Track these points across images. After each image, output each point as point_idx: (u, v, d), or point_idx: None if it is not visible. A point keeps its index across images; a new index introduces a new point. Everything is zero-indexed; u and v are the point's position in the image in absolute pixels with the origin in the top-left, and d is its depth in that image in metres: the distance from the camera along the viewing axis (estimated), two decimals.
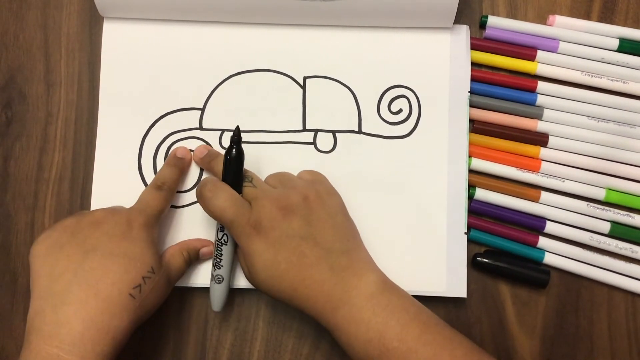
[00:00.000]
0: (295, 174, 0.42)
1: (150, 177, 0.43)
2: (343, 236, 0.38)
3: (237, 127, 0.38)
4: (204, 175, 0.43)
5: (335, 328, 0.36)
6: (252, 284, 0.38)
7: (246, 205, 0.37)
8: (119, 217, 0.37)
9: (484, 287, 0.44)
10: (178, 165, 0.42)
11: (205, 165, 0.42)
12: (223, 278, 0.39)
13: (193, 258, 0.41)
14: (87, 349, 0.32)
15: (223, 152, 0.39)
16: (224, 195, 0.37)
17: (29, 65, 0.45)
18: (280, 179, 0.40)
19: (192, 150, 0.43)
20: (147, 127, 0.43)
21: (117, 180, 0.43)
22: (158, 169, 0.43)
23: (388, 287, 0.37)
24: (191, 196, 0.43)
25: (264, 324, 0.43)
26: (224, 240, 0.39)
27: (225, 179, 0.38)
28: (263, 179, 0.41)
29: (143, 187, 0.42)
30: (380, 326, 0.34)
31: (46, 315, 0.33)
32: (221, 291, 0.40)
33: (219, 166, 0.39)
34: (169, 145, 0.43)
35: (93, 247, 0.35)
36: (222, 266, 0.39)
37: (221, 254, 0.39)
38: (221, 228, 0.39)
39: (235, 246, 0.39)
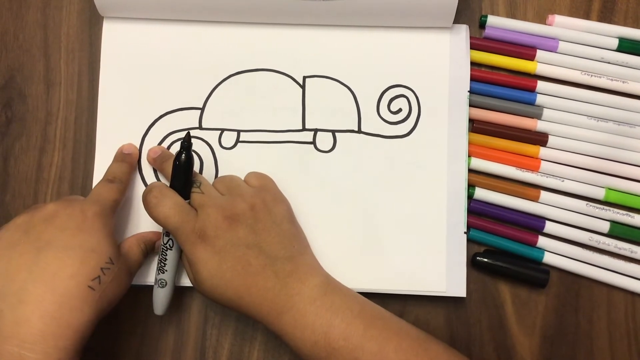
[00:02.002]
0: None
1: (150, 176, 0.43)
2: (288, 243, 0.38)
3: (188, 133, 0.38)
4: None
5: (282, 333, 0.36)
6: (198, 290, 0.38)
7: (192, 212, 0.37)
8: (71, 209, 0.36)
9: (484, 286, 0.44)
10: (126, 160, 0.42)
11: (157, 166, 0.42)
12: (166, 282, 0.39)
13: (149, 250, 0.41)
14: (49, 345, 0.32)
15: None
16: (169, 203, 0.37)
17: (29, 65, 0.45)
18: (228, 186, 0.39)
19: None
20: (147, 127, 0.43)
21: None
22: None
23: (331, 288, 0.37)
24: None
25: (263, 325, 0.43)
26: (169, 245, 0.39)
27: (173, 184, 0.38)
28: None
29: (143, 187, 0.43)
30: (324, 327, 0.35)
31: (4, 315, 0.32)
32: (164, 295, 0.39)
33: (170, 169, 0.39)
34: (168, 144, 0.43)
35: (47, 242, 0.34)
36: (166, 270, 0.39)
37: (166, 259, 0.39)
38: (166, 233, 0.38)
39: (181, 251, 0.39)
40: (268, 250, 0.37)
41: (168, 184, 0.39)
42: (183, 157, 0.38)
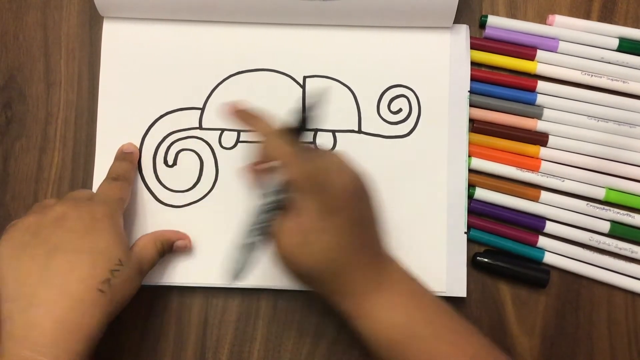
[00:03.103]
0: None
1: (150, 176, 0.43)
2: (382, 235, 0.37)
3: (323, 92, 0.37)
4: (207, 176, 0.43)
5: (359, 315, 0.35)
6: (285, 247, 0.35)
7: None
8: (80, 211, 0.36)
9: (484, 286, 0.44)
10: (127, 158, 0.42)
11: (241, 119, 0.39)
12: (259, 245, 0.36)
13: (167, 249, 0.40)
14: (60, 349, 0.32)
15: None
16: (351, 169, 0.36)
17: (29, 65, 0.45)
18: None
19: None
20: (147, 127, 0.43)
21: None
22: (158, 168, 0.43)
23: (415, 277, 0.37)
24: (191, 196, 0.43)
25: (264, 323, 0.43)
26: (279, 203, 0.35)
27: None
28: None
29: (143, 187, 0.43)
30: (410, 310, 0.35)
31: (16, 318, 0.32)
32: (251, 259, 0.36)
33: (263, 128, 0.37)
34: (168, 144, 0.43)
35: (56, 245, 0.34)
36: (264, 230, 0.35)
37: (271, 219, 0.35)
38: (282, 190, 0.35)
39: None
40: (373, 232, 0.36)
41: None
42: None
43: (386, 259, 0.37)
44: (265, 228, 0.35)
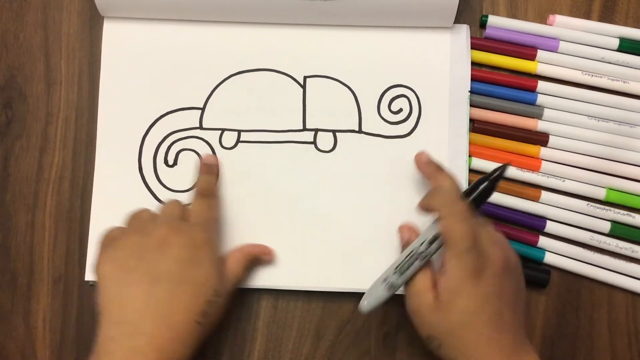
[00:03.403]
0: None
1: (150, 176, 0.43)
2: (522, 314, 0.36)
3: (505, 165, 0.37)
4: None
5: None
6: (427, 313, 0.35)
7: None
8: (182, 237, 0.36)
9: None
10: (213, 171, 0.42)
11: (430, 172, 0.40)
12: (399, 288, 0.37)
13: (251, 266, 0.41)
14: None
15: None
16: (473, 224, 0.35)
17: (29, 65, 0.45)
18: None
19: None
20: (147, 127, 0.43)
21: (117, 179, 0.43)
22: (158, 168, 0.43)
23: None
24: (189, 197, 0.43)
25: (264, 324, 0.43)
26: (430, 252, 0.36)
27: (472, 199, 0.36)
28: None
29: (143, 187, 0.43)
30: None
31: (121, 342, 0.34)
32: (385, 298, 0.37)
33: (438, 179, 0.38)
34: (169, 144, 0.43)
35: (161, 274, 0.35)
36: (407, 276, 0.36)
37: (417, 265, 0.36)
38: (430, 241, 0.36)
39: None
40: (514, 313, 0.35)
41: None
42: (488, 184, 0.37)
43: (524, 347, 0.35)
44: (410, 273, 0.36)
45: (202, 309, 0.35)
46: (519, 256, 0.37)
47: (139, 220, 0.39)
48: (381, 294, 0.37)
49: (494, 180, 0.37)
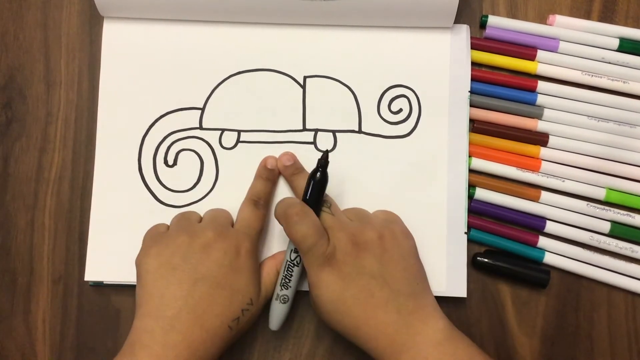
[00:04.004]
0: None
1: (150, 176, 0.43)
2: (413, 279, 0.37)
3: (326, 151, 0.39)
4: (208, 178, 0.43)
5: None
6: (315, 312, 0.39)
7: (325, 235, 0.37)
8: (227, 243, 0.37)
9: (484, 287, 0.44)
10: (270, 177, 0.42)
11: (287, 175, 0.42)
12: (288, 298, 0.39)
13: None
14: None
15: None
16: (309, 222, 0.36)
17: (29, 65, 0.45)
18: (357, 213, 0.40)
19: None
20: (147, 127, 0.43)
21: (117, 179, 0.43)
22: (158, 168, 0.43)
23: (455, 334, 0.36)
24: (191, 196, 0.43)
25: (264, 324, 0.43)
26: (297, 261, 0.38)
27: (307, 200, 0.38)
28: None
29: (143, 187, 0.43)
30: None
31: (156, 335, 0.34)
32: (283, 311, 0.39)
33: (299, 182, 0.40)
34: (168, 144, 0.43)
35: (203, 276, 0.36)
36: (289, 287, 0.39)
37: (291, 275, 0.39)
38: (295, 249, 0.38)
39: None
40: (392, 283, 0.36)
41: (292, 196, 0.40)
42: (319, 175, 0.38)
43: (422, 316, 0.36)
44: (287, 283, 0.39)
45: (236, 315, 0.36)
46: (405, 230, 0.39)
47: (188, 221, 0.39)
48: (280, 309, 0.39)
49: (322, 171, 0.38)
